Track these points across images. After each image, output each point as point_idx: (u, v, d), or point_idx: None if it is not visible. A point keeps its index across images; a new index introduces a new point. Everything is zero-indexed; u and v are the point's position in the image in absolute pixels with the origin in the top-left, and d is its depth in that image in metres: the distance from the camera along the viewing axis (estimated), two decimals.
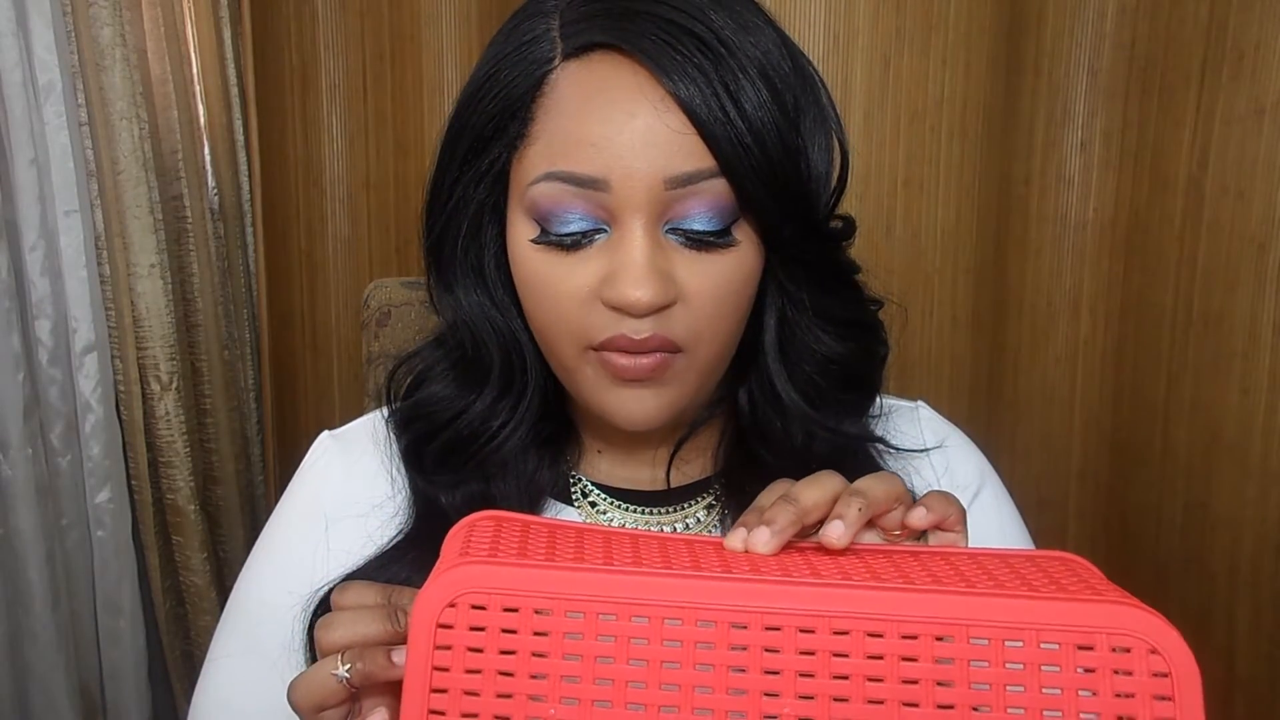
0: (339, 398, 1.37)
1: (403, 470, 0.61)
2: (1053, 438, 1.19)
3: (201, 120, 1.41)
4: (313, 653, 0.56)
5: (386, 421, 0.63)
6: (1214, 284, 1.01)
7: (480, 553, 0.36)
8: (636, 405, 0.53)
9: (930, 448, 0.64)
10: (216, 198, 1.44)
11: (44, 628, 1.24)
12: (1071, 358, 1.17)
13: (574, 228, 0.51)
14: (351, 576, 0.55)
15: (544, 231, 0.51)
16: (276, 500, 0.65)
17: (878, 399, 0.63)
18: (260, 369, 1.41)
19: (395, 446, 0.62)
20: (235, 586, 0.62)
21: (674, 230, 0.51)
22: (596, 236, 0.51)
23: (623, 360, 0.51)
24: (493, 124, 0.52)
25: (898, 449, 0.63)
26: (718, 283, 0.52)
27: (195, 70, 1.39)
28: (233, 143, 1.44)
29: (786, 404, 0.58)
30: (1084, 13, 1.10)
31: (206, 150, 1.42)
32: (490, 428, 0.58)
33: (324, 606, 0.55)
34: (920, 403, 0.68)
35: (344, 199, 1.33)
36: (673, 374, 0.53)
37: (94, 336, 1.25)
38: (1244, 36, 0.96)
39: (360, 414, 0.68)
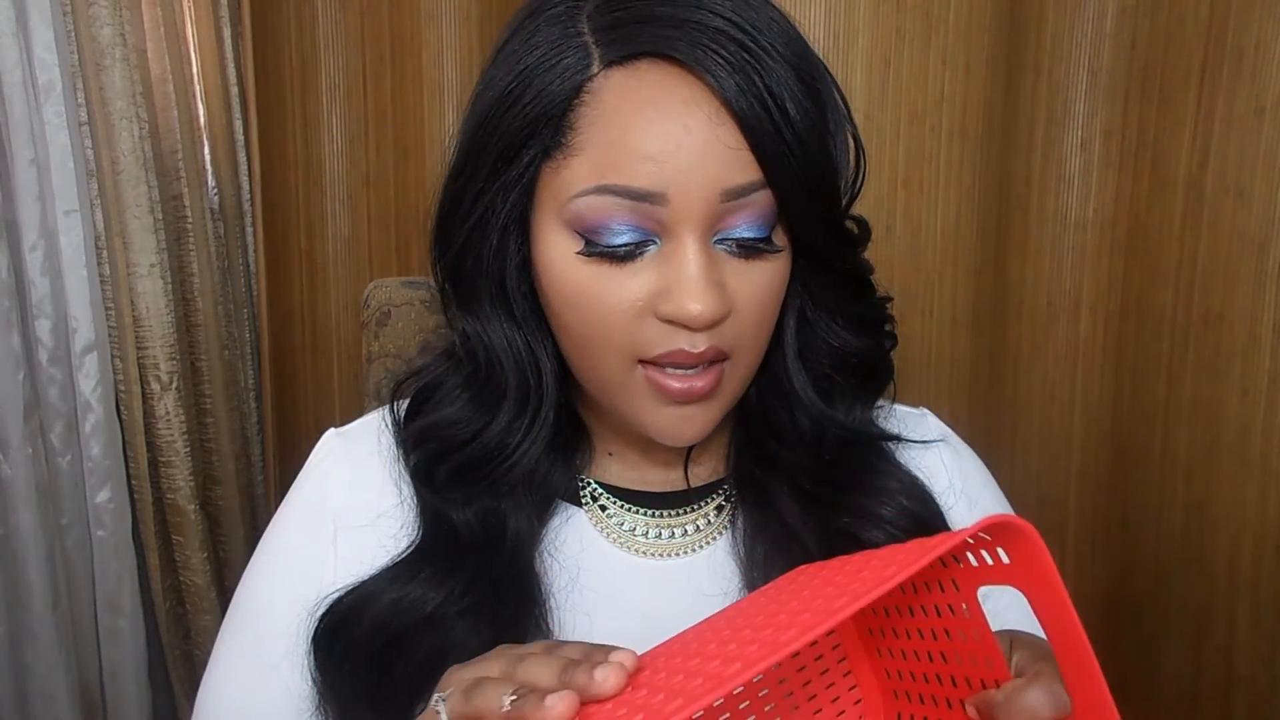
0: (339, 398, 1.37)
1: (409, 481, 0.60)
2: (1053, 438, 1.19)
3: (201, 120, 1.41)
4: (316, 656, 0.55)
5: (395, 439, 0.61)
6: (1214, 284, 1.01)
7: None
8: (685, 424, 0.54)
9: (934, 439, 0.66)
10: (216, 198, 1.44)
11: (44, 628, 1.24)
12: (1071, 358, 1.17)
13: (625, 239, 0.50)
14: (361, 588, 0.55)
15: (591, 243, 0.50)
16: (277, 500, 0.65)
17: (885, 401, 0.65)
18: (260, 369, 1.41)
19: (402, 458, 0.61)
20: (239, 587, 0.62)
21: (723, 240, 0.51)
22: (648, 248, 0.51)
23: (677, 384, 0.51)
24: (525, 132, 0.51)
25: (906, 439, 0.64)
26: (762, 289, 0.52)
27: (195, 70, 1.38)
28: (233, 143, 1.44)
29: (794, 394, 0.59)
30: (1084, 12, 1.10)
31: (206, 150, 1.42)
32: (506, 447, 0.58)
33: (331, 612, 0.55)
34: (924, 410, 0.70)
35: (344, 199, 1.33)
36: (722, 386, 0.53)
37: (94, 336, 1.25)
38: (1244, 36, 0.96)
39: (360, 414, 0.67)
